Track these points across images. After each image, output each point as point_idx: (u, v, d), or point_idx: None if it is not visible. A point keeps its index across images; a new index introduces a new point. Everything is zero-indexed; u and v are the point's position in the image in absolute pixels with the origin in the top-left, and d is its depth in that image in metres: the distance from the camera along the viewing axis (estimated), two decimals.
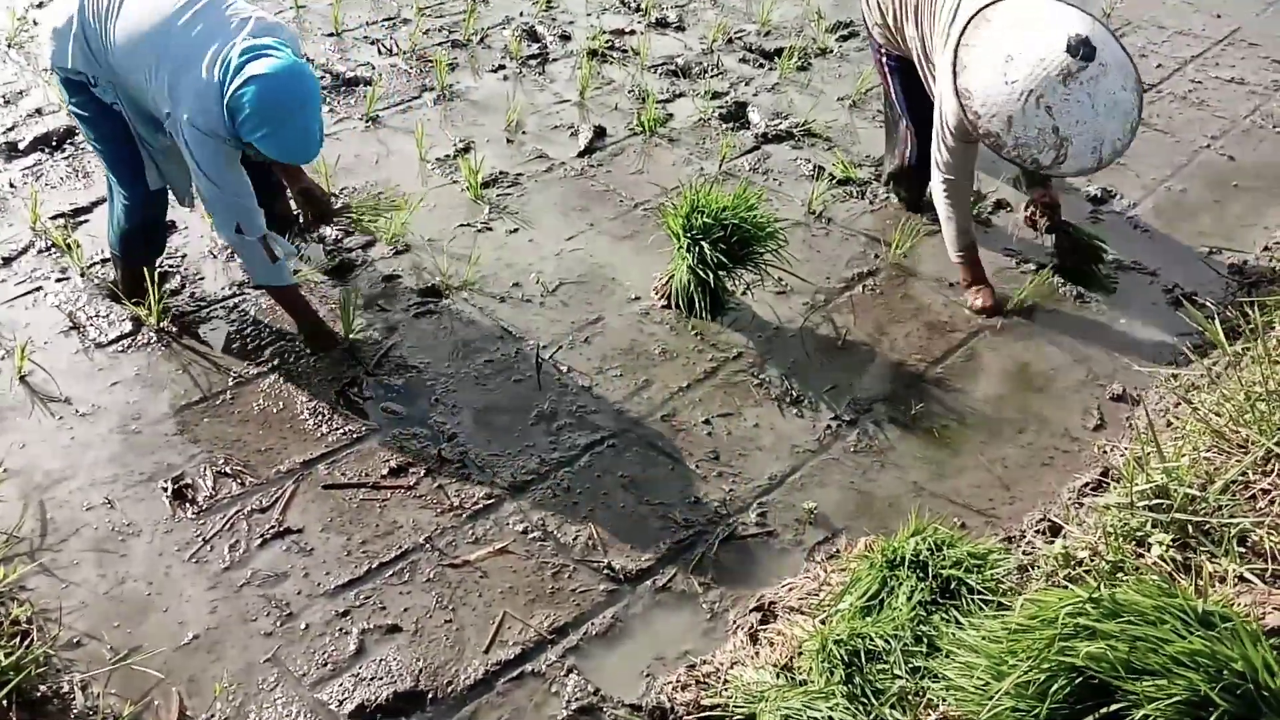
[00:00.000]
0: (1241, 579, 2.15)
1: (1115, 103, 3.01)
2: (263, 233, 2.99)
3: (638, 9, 5.61)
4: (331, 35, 5.19)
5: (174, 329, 3.29)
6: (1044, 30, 2.98)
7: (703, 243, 3.28)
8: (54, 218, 3.75)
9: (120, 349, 3.22)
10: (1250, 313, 2.96)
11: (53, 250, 3.60)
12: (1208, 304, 3.44)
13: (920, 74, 3.52)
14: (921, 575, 2.28)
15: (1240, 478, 2.38)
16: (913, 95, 3.66)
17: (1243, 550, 2.21)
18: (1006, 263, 3.67)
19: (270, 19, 2.93)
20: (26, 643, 2.31)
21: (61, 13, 2.98)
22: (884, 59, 3.67)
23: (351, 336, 3.26)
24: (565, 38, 5.27)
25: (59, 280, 3.48)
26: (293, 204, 3.56)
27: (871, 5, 3.59)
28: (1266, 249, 3.79)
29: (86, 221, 3.76)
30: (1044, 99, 2.94)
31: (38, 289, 3.46)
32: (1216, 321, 3.07)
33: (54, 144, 4.16)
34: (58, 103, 4.27)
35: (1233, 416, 2.59)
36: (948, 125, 3.28)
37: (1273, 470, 2.39)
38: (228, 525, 2.67)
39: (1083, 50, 2.92)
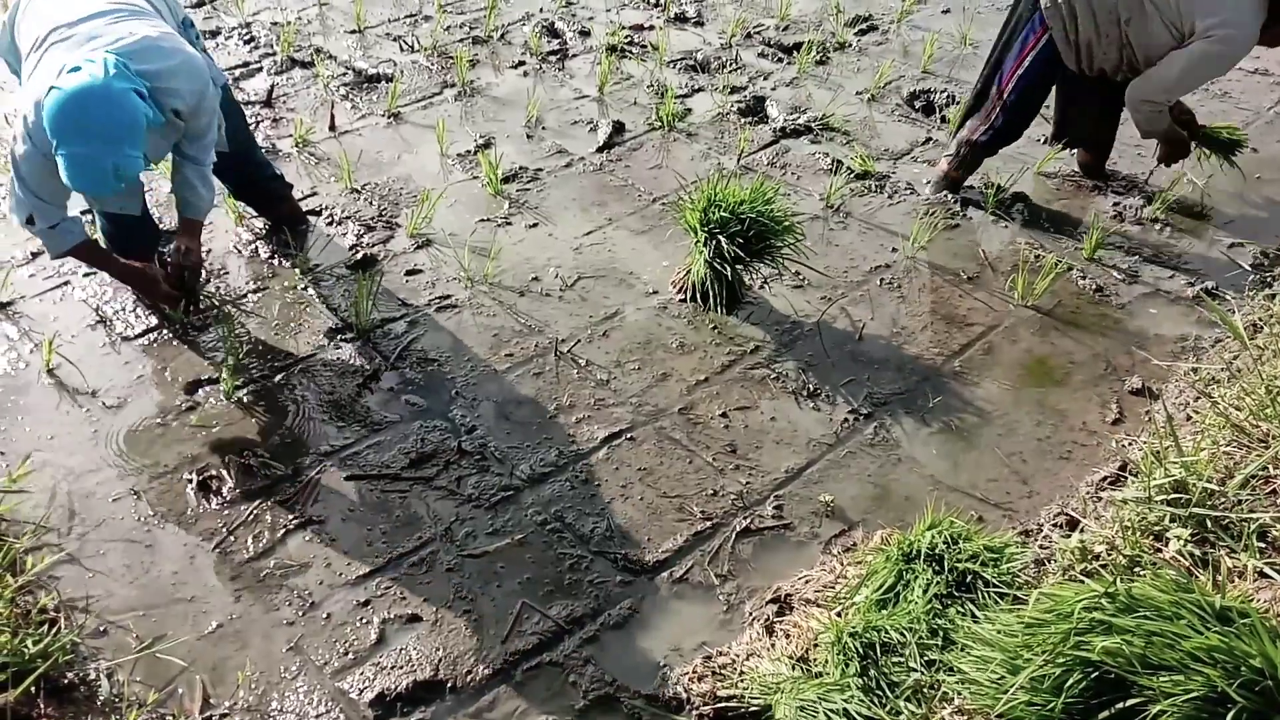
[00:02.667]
0: (1261, 574, 2.13)
1: None
2: (57, 220, 2.90)
3: (657, 4, 5.62)
4: (354, 32, 5.23)
5: (199, 323, 3.33)
6: None
7: (720, 237, 3.29)
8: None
9: (146, 343, 3.27)
10: (1271, 306, 2.94)
11: None
12: (1228, 297, 3.42)
13: (1097, 57, 3.63)
14: (937, 569, 2.27)
15: (1260, 472, 2.36)
16: (1037, 86, 3.79)
17: (1262, 545, 2.20)
18: (1027, 253, 3.65)
19: (168, 44, 2.79)
20: (54, 631, 2.36)
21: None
22: (1043, 37, 3.67)
23: (372, 330, 3.30)
24: (585, 34, 5.29)
25: (86, 275, 3.53)
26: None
27: None
28: None
29: None
30: None
31: (65, 284, 3.51)
32: (1237, 315, 3.05)
33: None
34: None
35: (1253, 410, 2.57)
36: (1198, 70, 3.52)
37: None
38: (251, 516, 2.70)
39: None
